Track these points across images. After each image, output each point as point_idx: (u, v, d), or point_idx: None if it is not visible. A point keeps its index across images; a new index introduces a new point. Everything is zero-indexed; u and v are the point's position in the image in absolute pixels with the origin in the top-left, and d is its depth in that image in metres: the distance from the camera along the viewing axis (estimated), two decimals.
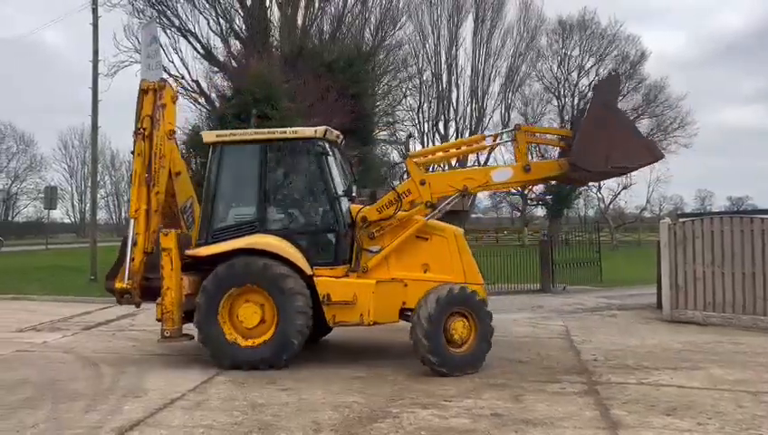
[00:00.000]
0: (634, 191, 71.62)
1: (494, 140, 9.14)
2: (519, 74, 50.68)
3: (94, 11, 22.10)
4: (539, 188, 51.45)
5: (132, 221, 8.47)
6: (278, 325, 7.67)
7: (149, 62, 20.03)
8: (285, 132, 8.47)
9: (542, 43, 50.20)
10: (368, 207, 8.13)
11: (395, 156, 45.80)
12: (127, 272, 8.24)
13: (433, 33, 49.43)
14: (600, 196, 50.73)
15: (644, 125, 47.73)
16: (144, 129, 8.50)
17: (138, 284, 8.26)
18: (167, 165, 8.55)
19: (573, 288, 17.03)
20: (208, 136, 8.59)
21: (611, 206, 52.15)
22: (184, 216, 8.83)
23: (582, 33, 48.10)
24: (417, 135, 50.96)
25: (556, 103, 50.00)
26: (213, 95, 27.50)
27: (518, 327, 10.94)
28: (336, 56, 26.55)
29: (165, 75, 27.91)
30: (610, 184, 52.34)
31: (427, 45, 49.04)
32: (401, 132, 46.92)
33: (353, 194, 8.13)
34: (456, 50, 50.26)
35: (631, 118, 8.98)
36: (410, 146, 9.41)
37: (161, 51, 25.40)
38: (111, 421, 5.68)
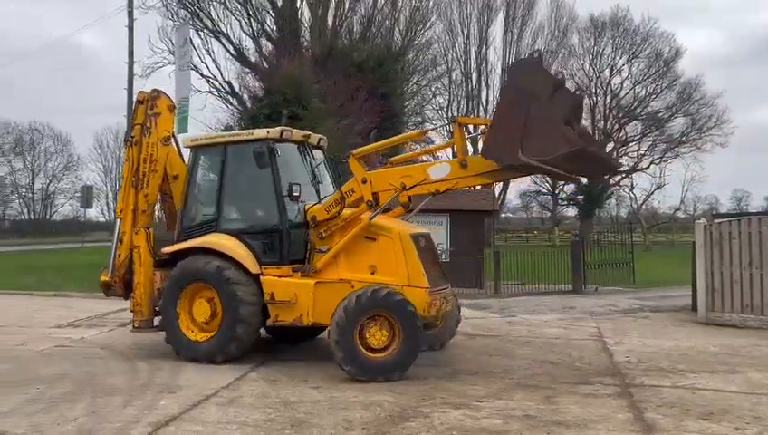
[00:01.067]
0: (668, 191, 70.42)
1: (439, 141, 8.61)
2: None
3: (130, 14, 22.57)
4: (570, 187, 50.98)
5: (118, 221, 9.11)
6: (224, 320, 7.94)
7: (181, 62, 20.39)
8: (241, 134, 8.89)
9: (573, 41, 49.65)
10: (317, 206, 8.11)
11: (424, 156, 45.72)
12: (110, 267, 8.99)
13: (462, 32, 49.24)
14: (632, 196, 50.01)
15: (678, 123, 46.92)
16: (133, 136, 9.09)
17: (120, 278, 8.91)
18: (159, 169, 9.02)
19: (605, 289, 16.84)
20: (186, 141, 9.13)
21: (644, 206, 51.35)
22: None
23: (615, 30, 47.37)
24: (446, 133, 50.80)
25: (588, 102, 49.33)
26: (244, 96, 27.86)
27: (549, 328, 10.85)
28: (366, 56, 26.67)
29: (198, 76, 28.27)
30: (643, 184, 51.65)
31: (457, 44, 48.88)
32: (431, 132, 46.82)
33: (296, 194, 7.93)
34: (486, 48, 50.00)
35: (570, 105, 6.71)
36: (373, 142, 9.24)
37: (193, 52, 25.83)
38: (148, 416, 5.80)
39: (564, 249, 19.59)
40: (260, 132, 8.54)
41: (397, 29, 33.71)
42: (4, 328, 10.81)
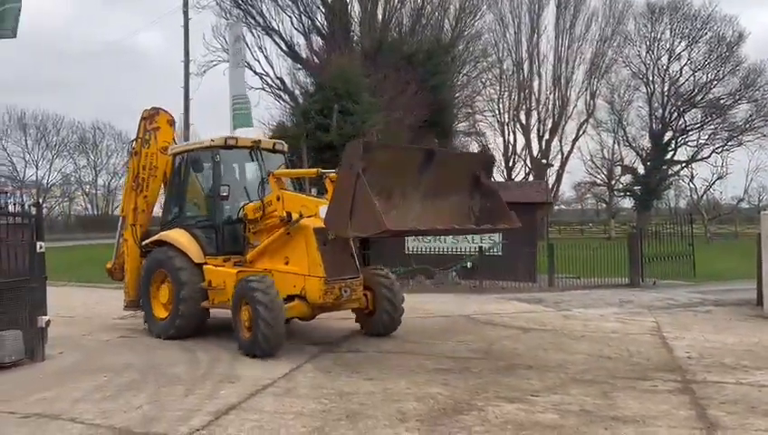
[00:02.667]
0: (730, 181, 67.62)
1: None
2: (605, 60, 48.97)
3: (185, 13, 23.11)
4: (627, 178, 49.69)
5: (121, 219, 10.98)
6: (173, 303, 9.27)
7: (235, 60, 20.79)
8: (194, 143, 10.52)
9: (629, 27, 48.30)
10: (251, 205, 9.11)
11: (474, 147, 45.34)
12: (114, 257, 11.07)
13: (513, 22, 48.57)
14: (692, 186, 48.36)
15: (742, 110, 45.10)
16: (134, 148, 10.66)
17: (119, 266, 10.91)
18: (159, 175, 10.53)
19: (664, 283, 16.37)
20: (170, 150, 10.44)
21: (705, 197, 49.57)
22: None
23: (673, 14, 45.80)
24: (496, 126, 50.24)
25: (645, 90, 47.97)
26: (296, 91, 28.21)
27: (605, 323, 10.63)
28: (415, 49, 26.59)
29: (251, 73, 28.69)
30: (704, 174, 49.88)
31: (508, 34, 48.28)
32: (481, 123, 46.38)
33: (224, 195, 9.18)
34: (538, 37, 49.21)
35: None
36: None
37: (246, 50, 26.29)
38: (208, 405, 5.99)
39: (620, 242, 19.11)
40: (206, 141, 9.89)
41: (446, 20, 33.51)
42: (72, 319, 11.32)
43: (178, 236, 9.52)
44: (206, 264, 9.25)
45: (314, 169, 9.29)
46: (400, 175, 7.08)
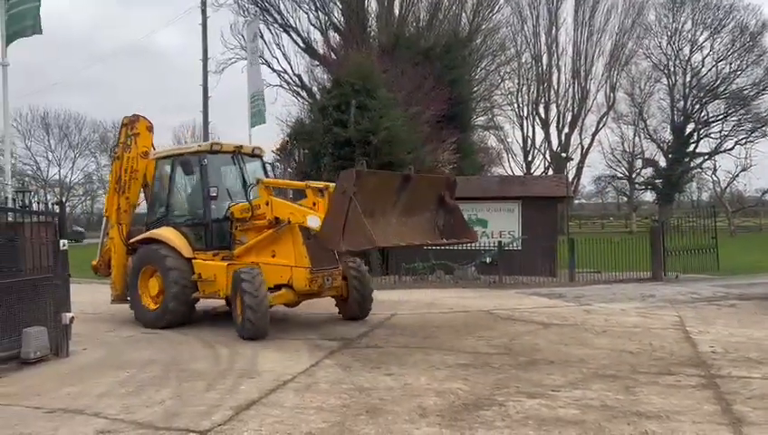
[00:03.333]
0: (755, 173, 66.14)
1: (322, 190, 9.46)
2: (625, 52, 48.40)
3: (203, 12, 23.25)
4: (648, 171, 49.08)
5: (105, 219, 11.75)
6: (164, 295, 10.00)
7: (253, 57, 20.86)
8: (182, 148, 11.43)
9: (649, 18, 47.65)
10: (238, 205, 10.06)
11: (493, 141, 45.08)
12: (98, 254, 11.78)
13: (531, 14, 48.20)
14: (715, 179, 47.59)
15: (766, 101, 44.27)
16: (115, 153, 11.49)
17: (104, 263, 11.60)
18: (140, 177, 11.21)
19: (687, 277, 16.15)
20: (152, 155, 11.24)
21: (728, 189, 48.77)
22: None
23: (695, 4, 45.07)
24: (515, 119, 49.92)
25: (666, 82, 47.30)
26: (314, 88, 28.26)
27: (627, 317, 10.51)
28: (433, 43, 26.48)
29: (269, 70, 28.82)
30: (727, 166, 49.09)
31: (526, 27, 47.92)
32: (499, 117, 46.12)
33: (213, 195, 10.12)
34: (557, 30, 48.80)
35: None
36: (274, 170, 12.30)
37: (264, 47, 26.39)
38: (230, 400, 6.03)
39: (642, 236, 18.89)
40: (193, 147, 10.89)
41: (464, 14, 33.32)
42: (96, 316, 11.48)
43: (168, 234, 10.27)
44: (194, 258, 10.06)
45: (303, 183, 10.04)
46: (382, 197, 8.22)
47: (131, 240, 10.90)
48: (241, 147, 11.03)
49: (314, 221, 8.93)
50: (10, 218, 8.04)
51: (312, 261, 9.32)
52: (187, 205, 10.90)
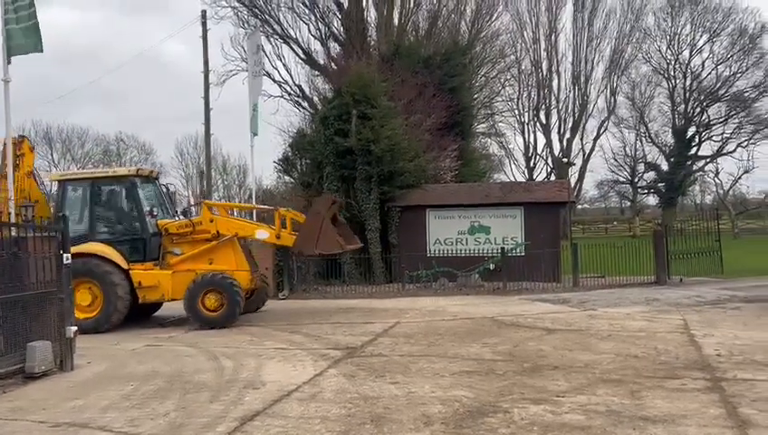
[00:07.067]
0: (757, 175, 66.13)
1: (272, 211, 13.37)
2: (624, 57, 48.45)
3: (203, 24, 23.37)
4: (650, 175, 49.03)
5: None
6: (103, 303, 11.17)
7: (254, 69, 20.92)
8: (108, 172, 13.01)
9: (648, 22, 47.70)
10: (170, 222, 11.97)
11: (494, 148, 45.09)
12: None
13: (531, 21, 48.27)
14: (717, 181, 47.50)
15: (766, 103, 44.26)
16: (3, 172, 11.91)
17: None
18: (27, 196, 11.98)
19: (691, 280, 16.10)
20: (53, 176, 13.03)
21: (731, 191, 48.66)
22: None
23: (694, 8, 45.17)
24: (516, 126, 49.95)
25: (666, 85, 47.32)
26: (315, 98, 28.34)
27: (632, 321, 10.49)
28: (432, 51, 26.52)
29: (270, 81, 28.93)
30: (729, 168, 49.01)
31: (525, 34, 47.97)
32: (500, 124, 46.12)
33: (155, 214, 11.95)
34: (556, 36, 48.85)
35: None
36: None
37: (265, 58, 26.48)
38: (234, 411, 6.03)
39: (645, 239, 18.86)
40: (121, 170, 12.77)
41: (463, 22, 33.41)
42: None
43: (104, 248, 11.45)
44: (131, 269, 11.44)
45: (250, 205, 11.90)
46: (330, 215, 11.81)
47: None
48: (152, 171, 13.25)
49: (262, 234, 11.76)
50: (14, 233, 8.07)
51: (249, 266, 11.92)
52: (120, 223, 12.18)
